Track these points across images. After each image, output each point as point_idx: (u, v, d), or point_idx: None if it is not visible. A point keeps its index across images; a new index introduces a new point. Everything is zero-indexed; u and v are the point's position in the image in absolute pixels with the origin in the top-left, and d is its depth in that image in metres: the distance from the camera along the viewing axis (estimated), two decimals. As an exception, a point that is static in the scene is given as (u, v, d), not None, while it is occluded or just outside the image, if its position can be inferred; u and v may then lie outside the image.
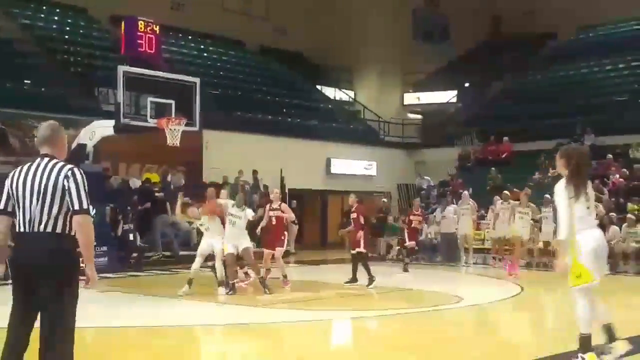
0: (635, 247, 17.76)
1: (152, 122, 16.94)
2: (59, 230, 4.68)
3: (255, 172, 23.99)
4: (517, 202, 17.68)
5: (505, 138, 27.36)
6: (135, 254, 18.65)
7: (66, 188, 4.69)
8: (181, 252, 18.57)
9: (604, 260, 6.48)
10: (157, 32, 18.44)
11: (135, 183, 21.34)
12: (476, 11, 37.85)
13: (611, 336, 6.57)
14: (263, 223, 13.59)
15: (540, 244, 19.29)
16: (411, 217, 17.97)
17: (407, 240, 17.84)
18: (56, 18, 28.10)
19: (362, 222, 14.61)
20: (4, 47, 22.92)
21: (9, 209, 4.84)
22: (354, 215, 14.68)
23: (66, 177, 4.72)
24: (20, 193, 4.76)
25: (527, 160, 26.29)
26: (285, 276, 13.56)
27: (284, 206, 13.88)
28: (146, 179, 21.71)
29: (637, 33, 32.98)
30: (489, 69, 34.98)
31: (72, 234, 4.70)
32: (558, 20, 35.46)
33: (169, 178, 22.34)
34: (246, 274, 14.05)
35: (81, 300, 4.76)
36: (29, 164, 4.88)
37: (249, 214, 12.97)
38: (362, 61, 36.25)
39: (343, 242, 26.50)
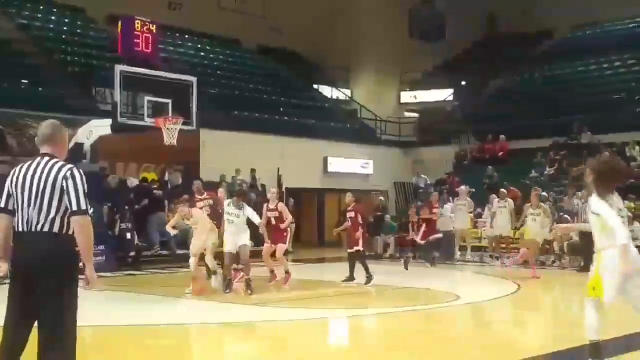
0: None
1: (149, 122, 16.96)
2: (56, 230, 4.66)
3: (253, 170, 24.00)
4: (528, 204, 16.95)
5: (502, 136, 27.39)
6: (132, 253, 18.66)
7: (64, 188, 4.67)
8: (178, 251, 18.60)
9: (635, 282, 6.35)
10: (154, 31, 18.46)
11: (133, 182, 21.34)
12: (472, 10, 37.82)
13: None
14: (263, 221, 13.35)
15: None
16: (434, 211, 18.15)
17: (419, 236, 18.12)
18: (53, 17, 28.06)
19: (360, 221, 14.61)
20: (1, 46, 22.90)
21: (10, 208, 4.81)
22: (351, 214, 14.64)
23: (65, 177, 4.69)
24: (19, 192, 4.73)
25: (524, 159, 26.33)
26: (287, 271, 13.56)
27: (281, 206, 13.81)
28: (143, 177, 21.71)
29: (633, 31, 33.01)
30: (485, 67, 34.97)
31: (71, 233, 4.68)
32: (554, 19, 35.51)
33: (166, 177, 22.35)
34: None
35: (79, 300, 4.74)
36: (29, 162, 4.86)
37: (249, 213, 12.68)
38: (359, 60, 36.26)
39: (340, 241, 26.61)
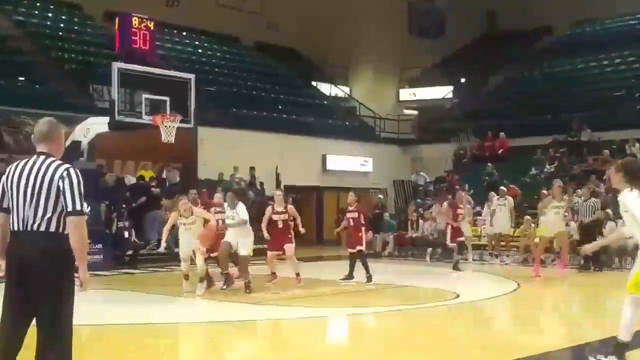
0: (632, 244, 17.68)
1: (147, 119, 16.89)
2: (52, 229, 4.62)
3: (252, 169, 23.94)
4: (549, 197, 16.23)
5: (502, 134, 27.33)
6: (130, 252, 18.58)
7: (61, 188, 4.63)
8: (176, 249, 18.50)
9: None
10: (152, 28, 18.36)
11: (130, 180, 21.28)
12: (471, 6, 37.78)
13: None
14: (264, 223, 13.13)
15: (537, 240, 19.23)
16: (458, 211, 17.54)
17: (449, 238, 17.41)
18: (50, 15, 27.95)
19: (363, 222, 14.49)
20: (-2, 43, 22.84)
21: (5, 206, 4.78)
22: (354, 215, 14.44)
23: (61, 177, 4.65)
24: (14, 192, 4.70)
25: (523, 156, 26.27)
26: (298, 274, 13.33)
27: (291, 209, 13.44)
28: (140, 175, 21.62)
29: (633, 28, 32.95)
30: (484, 64, 34.93)
31: (66, 233, 4.64)
32: (553, 16, 35.44)
33: (164, 175, 22.27)
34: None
35: (76, 299, 4.71)
36: (25, 160, 4.80)
37: (239, 209, 12.30)
38: (358, 57, 36.19)
39: (339, 240, 26.54)
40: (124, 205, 19.14)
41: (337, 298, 12.86)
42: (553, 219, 15.59)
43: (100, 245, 17.46)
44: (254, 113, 26.71)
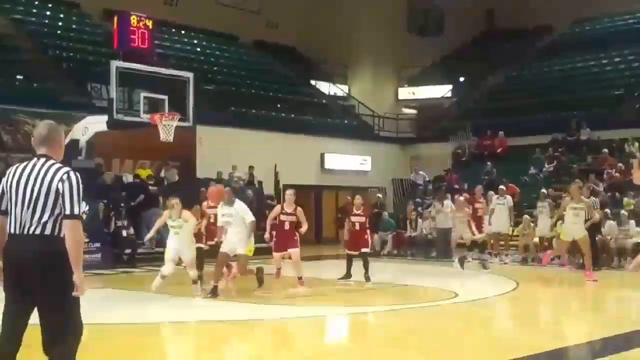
0: (631, 243, 17.68)
1: (145, 118, 16.85)
2: (47, 232, 4.63)
3: (250, 167, 23.92)
4: (567, 198, 15.28)
5: (501, 133, 27.32)
6: (128, 251, 18.55)
7: (60, 191, 4.63)
8: (159, 249, 18.49)
9: None
10: (150, 27, 18.32)
11: (129, 179, 21.26)
12: (470, 5, 37.79)
13: None
14: (268, 222, 12.90)
15: (536, 239, 19.24)
16: (476, 206, 17.07)
17: (475, 232, 17.05)
18: (48, 13, 27.92)
19: (367, 225, 14.40)
20: (-5, 42, 22.81)
21: (2, 208, 4.81)
22: (361, 219, 14.26)
23: (61, 180, 4.65)
24: (13, 194, 4.71)
25: (523, 155, 26.26)
26: (300, 278, 12.85)
27: (300, 211, 12.82)
28: (135, 174, 21.58)
29: (633, 26, 32.96)
30: (483, 63, 34.93)
31: (62, 235, 4.66)
32: (553, 14, 35.43)
33: (162, 174, 22.24)
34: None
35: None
36: (25, 163, 4.81)
37: (241, 208, 11.72)
38: (357, 56, 36.18)
39: (338, 238, 26.52)
40: (122, 204, 19.11)
41: (336, 297, 12.87)
42: (571, 222, 14.60)
43: (98, 244, 17.43)
44: (252, 112, 26.70)
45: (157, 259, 18.24)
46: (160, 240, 15.90)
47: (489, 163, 25.54)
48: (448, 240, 20.33)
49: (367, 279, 13.94)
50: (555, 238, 18.41)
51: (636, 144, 23.39)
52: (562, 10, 34.67)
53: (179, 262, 12.03)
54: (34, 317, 4.72)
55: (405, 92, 37.28)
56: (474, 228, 17.09)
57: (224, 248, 11.66)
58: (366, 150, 29.85)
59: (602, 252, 17.20)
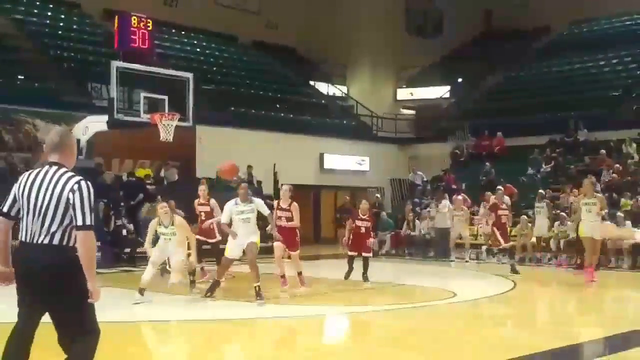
0: (628, 243, 17.75)
1: (145, 118, 16.92)
2: (56, 242, 4.62)
3: (249, 167, 23.97)
4: (580, 195, 15.05)
5: (499, 133, 27.38)
6: (128, 249, 18.62)
7: (71, 202, 4.60)
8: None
9: None
10: (150, 27, 18.40)
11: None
12: (468, 5, 37.85)
13: None
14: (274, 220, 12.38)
15: (534, 239, 19.33)
16: (499, 213, 16.55)
17: (500, 241, 16.50)
18: (49, 13, 27.99)
19: (372, 229, 14.34)
20: (-4, 42, 22.88)
21: (12, 213, 4.80)
22: (367, 224, 14.11)
23: (72, 190, 4.63)
24: (24, 202, 4.71)
25: (520, 156, 26.32)
26: (300, 273, 12.74)
27: (294, 207, 12.49)
28: (129, 172, 21.62)
29: (630, 27, 33.04)
30: (481, 63, 34.98)
31: (72, 245, 4.64)
32: (551, 15, 35.50)
33: (162, 173, 22.31)
34: (202, 269, 13.66)
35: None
36: (37, 170, 4.79)
37: (260, 204, 11.33)
38: (355, 56, 36.24)
39: (336, 238, 26.58)
40: (122, 204, 19.17)
41: (335, 297, 12.91)
42: (587, 219, 14.19)
43: (98, 243, 17.42)
44: (252, 112, 26.77)
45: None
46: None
47: (487, 163, 25.60)
48: (446, 240, 20.47)
49: (366, 279, 13.92)
50: (529, 237, 18.57)
51: (633, 144, 23.46)
52: (560, 11, 34.75)
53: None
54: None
55: (403, 93, 37.33)
56: (499, 237, 16.53)
57: (231, 254, 11.23)
58: (365, 150, 29.92)
59: (600, 252, 17.23)
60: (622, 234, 16.01)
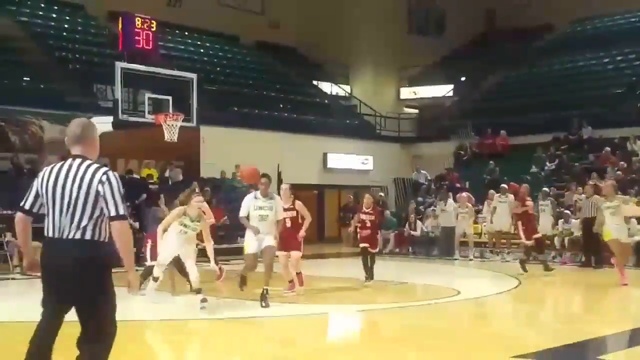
0: (633, 241, 17.73)
1: (149, 118, 17.02)
2: (88, 237, 4.53)
3: (253, 167, 23.99)
4: (600, 198, 14.61)
5: (502, 132, 27.40)
6: (134, 249, 18.63)
7: (101, 194, 4.50)
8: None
9: None
10: (154, 28, 18.50)
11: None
12: (471, 4, 37.87)
13: None
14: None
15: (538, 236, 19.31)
16: (526, 204, 15.99)
17: (523, 237, 15.80)
18: (54, 15, 28.11)
19: (377, 224, 14.07)
20: (1, 43, 22.94)
21: (34, 210, 4.70)
22: (372, 217, 13.69)
23: (101, 181, 4.52)
24: (49, 197, 4.58)
25: (524, 154, 26.35)
26: (299, 273, 12.20)
27: (299, 205, 11.95)
28: (127, 170, 21.68)
29: (633, 25, 33.00)
30: (484, 62, 34.96)
31: (102, 240, 4.57)
32: (553, 13, 35.49)
33: (167, 173, 22.39)
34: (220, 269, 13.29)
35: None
36: (60, 164, 4.65)
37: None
38: (358, 56, 36.25)
39: (340, 237, 26.65)
40: (128, 204, 19.21)
41: (338, 295, 12.93)
42: (611, 221, 13.47)
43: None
44: (255, 112, 26.83)
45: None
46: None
47: (491, 162, 25.62)
48: (452, 239, 20.50)
49: (367, 278, 13.60)
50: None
51: (638, 142, 23.46)
52: (562, 9, 34.73)
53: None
54: (31, 315, 4.76)
55: (406, 92, 37.36)
56: (521, 233, 15.87)
57: (251, 249, 10.56)
58: (368, 149, 29.96)
59: (604, 250, 17.24)
60: None
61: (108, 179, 4.55)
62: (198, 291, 10.11)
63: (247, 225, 10.65)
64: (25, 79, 22.26)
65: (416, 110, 37.02)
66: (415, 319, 10.31)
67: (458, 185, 24.67)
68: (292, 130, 26.66)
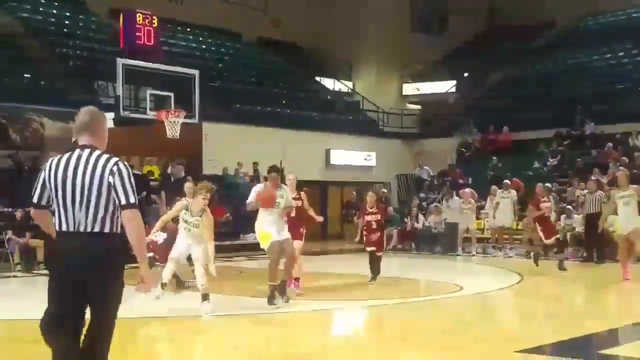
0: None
1: (151, 115, 17.00)
2: (107, 229, 4.38)
3: (255, 163, 24.02)
4: (613, 189, 14.06)
5: (505, 128, 27.36)
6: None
7: (112, 184, 4.35)
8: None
9: None
10: (156, 24, 18.47)
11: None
12: (474, 1, 37.79)
13: None
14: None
15: (541, 234, 19.26)
16: (541, 206, 15.31)
17: (543, 237, 15.27)
18: (55, 11, 28.07)
19: (382, 223, 13.83)
20: (2, 40, 22.91)
21: (43, 202, 4.50)
22: (377, 217, 13.45)
23: (112, 172, 4.37)
24: (60, 189, 4.37)
25: (527, 150, 26.33)
26: (297, 279, 11.80)
27: (304, 195, 11.88)
28: (130, 166, 21.66)
29: (636, 21, 32.94)
30: (487, 58, 34.92)
31: (118, 232, 4.42)
32: (556, 9, 35.44)
33: (169, 170, 22.35)
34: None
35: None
36: (67, 155, 4.44)
37: (288, 194, 10.58)
38: (361, 52, 36.18)
39: (342, 234, 26.63)
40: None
41: (341, 291, 12.93)
42: (624, 213, 13.08)
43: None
44: (257, 108, 26.79)
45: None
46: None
47: (494, 158, 25.59)
48: (455, 235, 20.49)
49: (372, 278, 13.32)
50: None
51: (640, 137, 23.45)
52: (565, 5, 34.65)
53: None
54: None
55: (409, 88, 37.29)
56: (540, 232, 15.33)
57: (274, 236, 10.10)
58: (371, 145, 29.92)
59: (606, 245, 17.22)
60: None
61: (119, 169, 4.41)
62: (205, 297, 9.62)
63: (253, 208, 10.22)
64: (26, 75, 22.24)
65: (419, 107, 36.96)
66: (418, 314, 10.31)
67: (461, 181, 24.64)
68: (295, 127, 26.61)
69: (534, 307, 11.47)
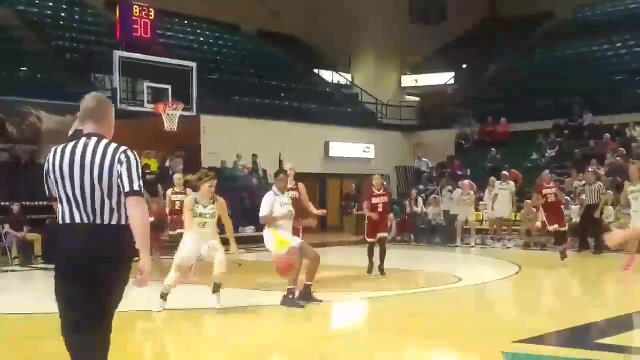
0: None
1: (149, 108, 16.96)
2: (124, 222, 4.18)
3: (254, 156, 24.00)
4: (626, 183, 13.56)
5: (503, 119, 27.34)
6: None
7: (120, 173, 4.11)
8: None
9: None
10: (153, 16, 18.42)
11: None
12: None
13: None
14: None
15: (539, 224, 19.29)
16: (544, 192, 15.12)
17: (547, 224, 15.31)
18: (51, 4, 27.97)
19: (388, 205, 13.57)
20: (-1, 34, 22.89)
21: (55, 194, 4.23)
22: (384, 200, 13.23)
23: (120, 162, 4.12)
24: (67, 180, 4.13)
25: (525, 141, 26.31)
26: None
27: (302, 186, 11.67)
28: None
29: (635, 12, 32.83)
30: (486, 50, 34.88)
31: (127, 223, 4.18)
32: (554, 0, 35.35)
33: (167, 163, 22.33)
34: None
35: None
36: (73, 144, 4.19)
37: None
38: (360, 44, 36.08)
39: (342, 226, 26.62)
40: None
41: (341, 283, 12.91)
42: (637, 209, 12.52)
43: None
44: (256, 101, 26.73)
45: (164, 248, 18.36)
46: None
47: (493, 149, 25.58)
48: (455, 226, 20.50)
49: (382, 272, 13.07)
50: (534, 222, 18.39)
51: (637, 128, 23.41)
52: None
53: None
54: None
55: (408, 80, 37.22)
56: (544, 218, 15.33)
57: (295, 243, 9.81)
58: (370, 138, 29.88)
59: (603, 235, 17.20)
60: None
61: (127, 158, 4.14)
62: (217, 288, 9.30)
63: (274, 220, 9.78)
64: (22, 69, 22.18)
65: (418, 99, 36.90)
66: (417, 305, 10.31)
67: (460, 172, 24.63)
68: (294, 119, 26.57)
69: (533, 298, 11.49)
